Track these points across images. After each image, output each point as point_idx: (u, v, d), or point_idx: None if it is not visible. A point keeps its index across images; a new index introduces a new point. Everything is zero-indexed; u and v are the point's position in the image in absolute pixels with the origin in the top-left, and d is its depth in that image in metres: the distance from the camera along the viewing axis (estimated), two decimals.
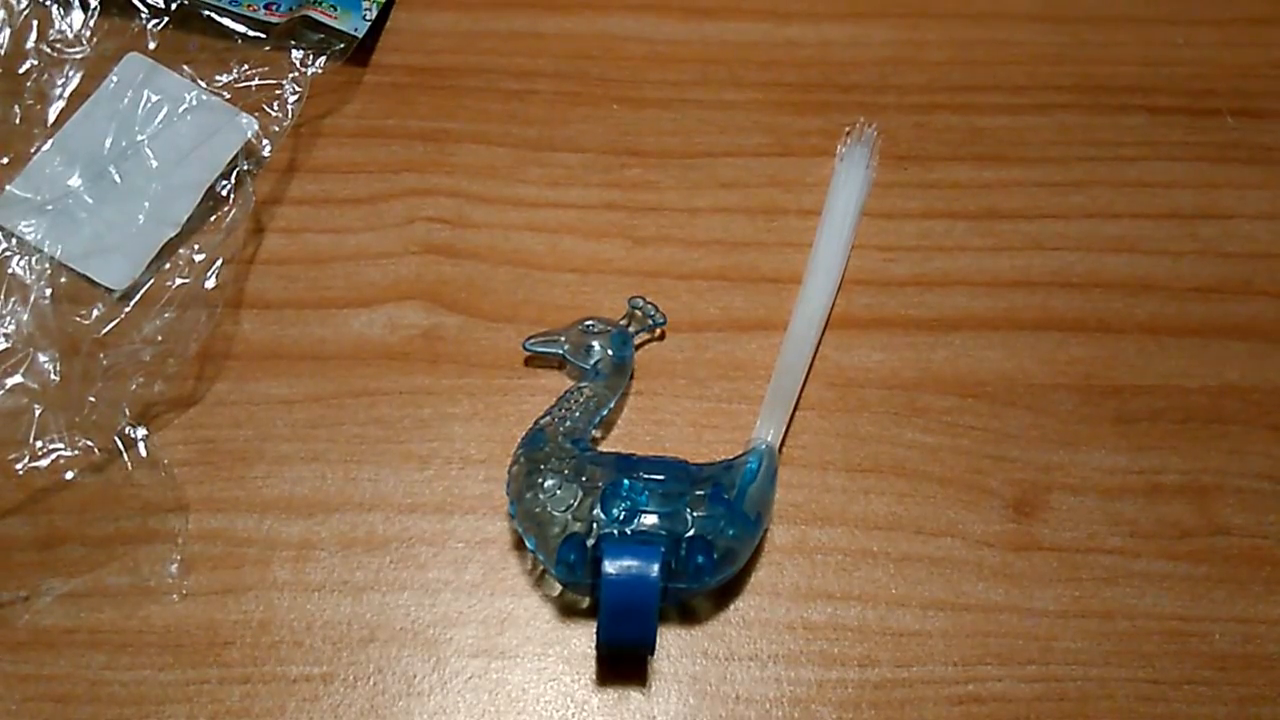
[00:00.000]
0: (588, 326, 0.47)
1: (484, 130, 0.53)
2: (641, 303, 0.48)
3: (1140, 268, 0.50)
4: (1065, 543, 0.45)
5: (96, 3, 0.53)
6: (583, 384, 0.46)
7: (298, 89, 0.52)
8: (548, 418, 0.45)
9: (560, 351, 0.47)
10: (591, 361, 0.46)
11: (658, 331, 0.49)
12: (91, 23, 0.53)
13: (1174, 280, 0.50)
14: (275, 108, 0.52)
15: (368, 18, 0.54)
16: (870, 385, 0.48)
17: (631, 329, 0.48)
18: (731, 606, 0.44)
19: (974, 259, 0.50)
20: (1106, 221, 0.51)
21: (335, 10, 0.54)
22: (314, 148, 0.53)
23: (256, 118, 0.51)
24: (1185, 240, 0.51)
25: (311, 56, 0.53)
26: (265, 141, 0.51)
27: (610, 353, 0.46)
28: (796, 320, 0.48)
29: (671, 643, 0.43)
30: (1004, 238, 0.51)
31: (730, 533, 0.42)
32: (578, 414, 0.45)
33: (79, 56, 0.52)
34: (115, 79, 0.52)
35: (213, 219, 0.50)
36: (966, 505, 0.45)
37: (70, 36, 0.53)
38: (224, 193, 0.50)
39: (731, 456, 0.44)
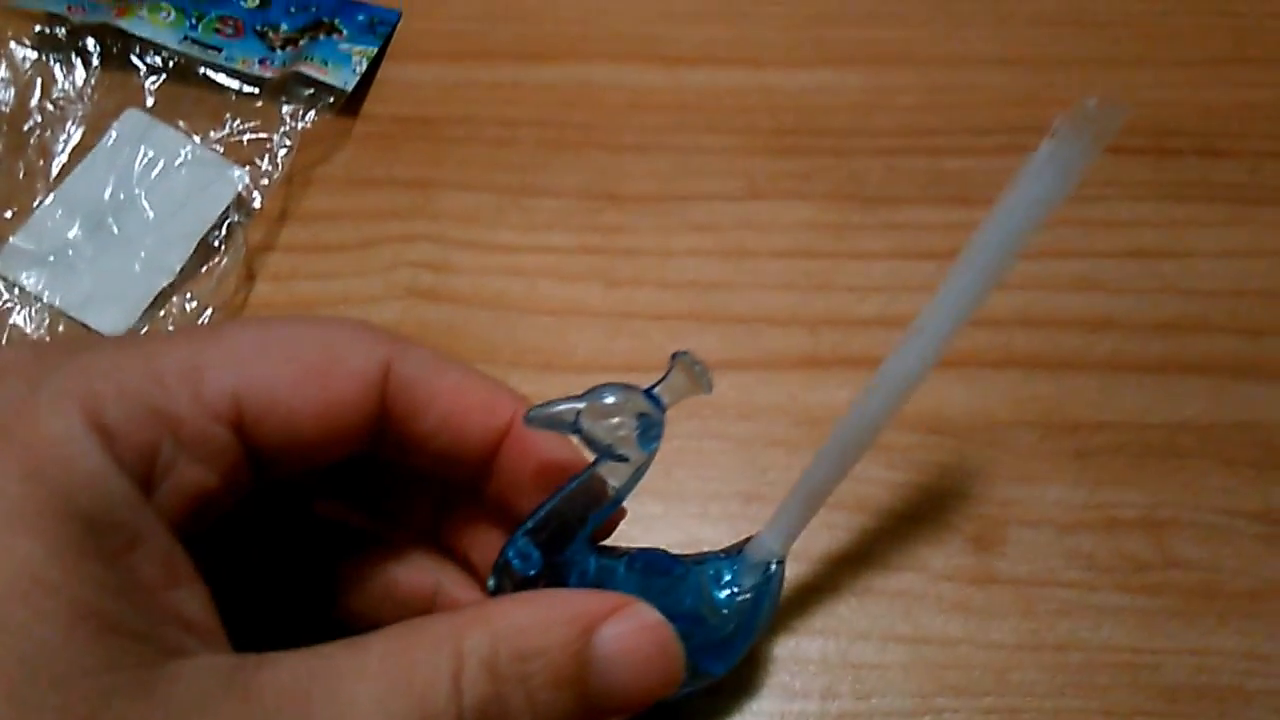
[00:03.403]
0: (607, 397, 0.35)
1: (467, 177, 0.55)
2: (690, 359, 0.35)
3: (1102, 306, 0.51)
4: (1023, 576, 0.45)
5: (97, 61, 0.55)
6: (592, 479, 0.36)
7: (288, 142, 0.54)
8: (533, 524, 0.36)
9: (573, 430, 0.35)
10: (612, 443, 0.35)
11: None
12: (93, 80, 0.55)
13: (1135, 318, 0.51)
14: (266, 160, 0.53)
15: (357, 71, 0.55)
16: None
17: (666, 398, 0.36)
18: None
19: None
20: (1069, 260, 0.52)
21: (326, 65, 0.55)
22: (304, 196, 0.54)
23: (248, 170, 0.53)
24: (1146, 278, 0.52)
25: (302, 110, 0.54)
26: (255, 193, 0.53)
27: (636, 431, 0.35)
28: (858, 416, 0.37)
29: None
30: None
31: (732, 660, 0.40)
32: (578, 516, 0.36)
33: (80, 113, 0.54)
34: (114, 134, 0.54)
35: (205, 268, 0.52)
36: (927, 540, 0.46)
37: (72, 94, 0.55)
38: (216, 243, 0.52)
39: (741, 592, 0.39)
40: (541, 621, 0.31)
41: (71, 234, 0.52)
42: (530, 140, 0.56)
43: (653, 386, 0.35)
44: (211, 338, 0.32)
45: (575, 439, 0.35)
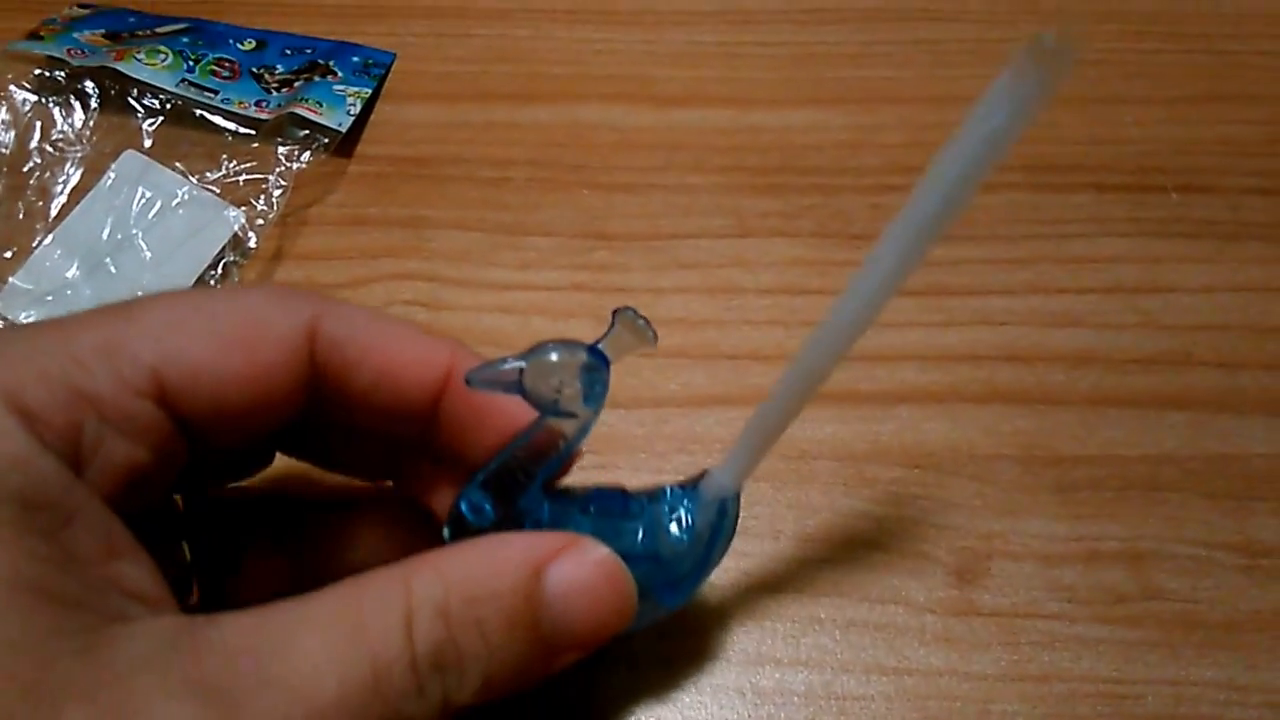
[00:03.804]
0: (550, 354, 0.34)
1: (460, 216, 0.56)
2: (632, 314, 0.35)
3: (1083, 341, 0.52)
4: (1005, 608, 0.46)
5: (96, 103, 0.56)
6: (542, 431, 0.36)
7: (283, 183, 0.54)
8: (484, 476, 0.36)
9: (516, 390, 0.34)
10: (557, 400, 0.34)
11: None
12: (91, 122, 0.56)
13: (1116, 353, 0.51)
14: (261, 201, 0.54)
15: (351, 113, 0.56)
16: (822, 457, 0.49)
17: (610, 353, 0.35)
18: (682, 672, 0.45)
19: (923, 334, 0.52)
20: (1051, 297, 0.53)
21: (321, 107, 0.56)
22: (299, 236, 0.55)
23: (244, 211, 0.54)
24: (1127, 314, 0.52)
25: (297, 151, 0.55)
26: (251, 233, 0.53)
27: (580, 388, 0.34)
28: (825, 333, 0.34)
29: (621, 706, 0.44)
30: (952, 314, 0.52)
31: (688, 593, 0.40)
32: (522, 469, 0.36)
33: (79, 154, 0.55)
34: (113, 175, 0.55)
35: None
36: (911, 572, 0.46)
37: (71, 136, 0.56)
38: (212, 283, 0.53)
39: (697, 529, 0.39)
40: (491, 565, 0.31)
41: (70, 274, 0.53)
42: (522, 180, 0.57)
43: (597, 342, 0.35)
44: (129, 314, 0.32)
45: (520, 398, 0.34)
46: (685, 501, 0.39)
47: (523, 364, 0.33)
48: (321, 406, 0.36)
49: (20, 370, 0.30)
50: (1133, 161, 0.56)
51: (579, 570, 0.33)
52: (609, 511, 0.38)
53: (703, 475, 0.39)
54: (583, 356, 0.34)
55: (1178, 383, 0.51)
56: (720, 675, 0.45)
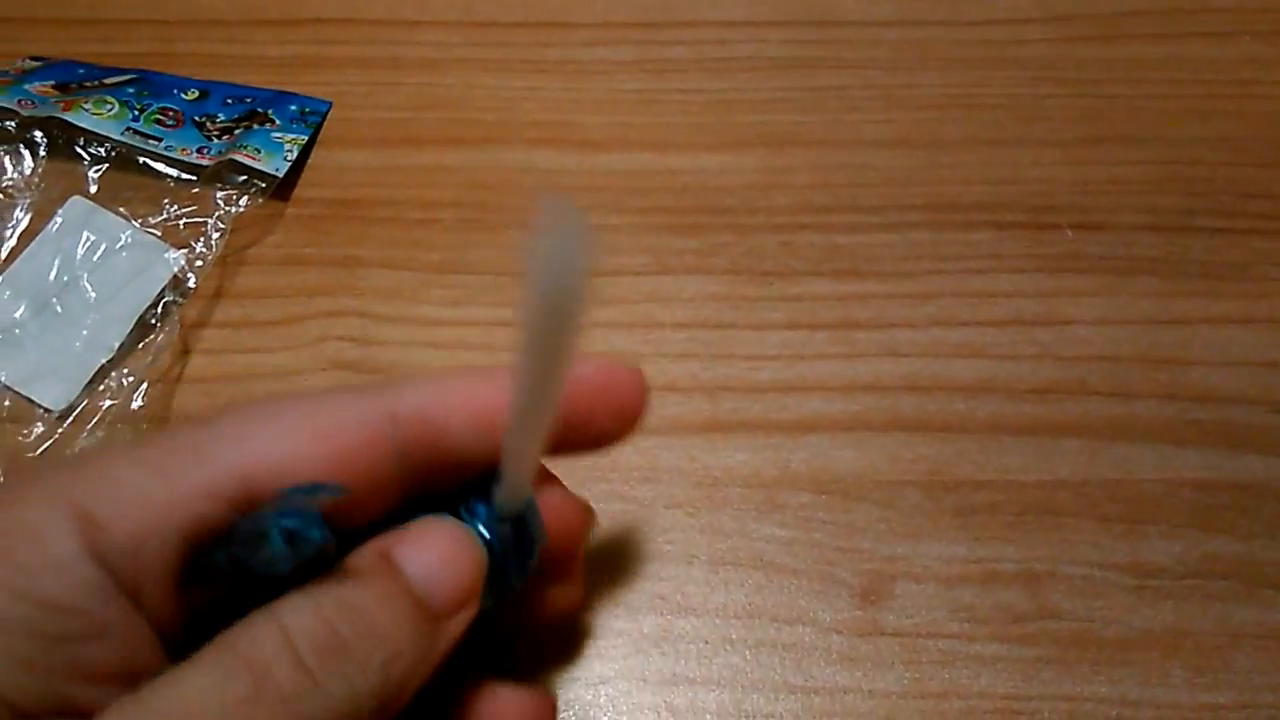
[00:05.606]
0: (248, 524, 0.29)
1: (391, 256, 0.54)
2: (298, 497, 0.29)
3: (983, 371, 0.50)
4: (907, 628, 0.45)
5: (44, 152, 0.55)
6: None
7: (222, 225, 0.53)
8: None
9: (231, 564, 0.29)
10: (274, 561, 0.28)
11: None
12: (40, 169, 0.54)
13: (1014, 382, 0.50)
14: (201, 243, 0.53)
15: (288, 159, 0.55)
16: (734, 484, 0.48)
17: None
18: (599, 691, 0.44)
19: (831, 366, 0.51)
20: (952, 329, 0.52)
21: (259, 153, 0.54)
22: (238, 275, 0.53)
23: (184, 253, 0.52)
24: (1025, 345, 0.51)
25: (236, 195, 0.54)
26: (191, 274, 0.52)
27: (291, 549, 0.28)
28: None
29: None
30: (858, 346, 0.51)
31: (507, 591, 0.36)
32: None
33: (28, 200, 0.54)
34: (60, 220, 0.53)
35: (141, 345, 0.51)
36: (818, 594, 0.45)
37: (20, 183, 0.54)
38: (153, 321, 0.51)
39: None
40: (340, 569, 0.30)
41: (18, 314, 0.51)
42: (451, 220, 0.55)
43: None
44: (210, 422, 0.31)
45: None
46: (483, 516, 0.35)
47: (230, 538, 0.29)
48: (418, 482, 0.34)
49: (93, 478, 0.29)
50: (1030, 201, 0.55)
51: (419, 536, 0.32)
52: None
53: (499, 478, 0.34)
54: (282, 522, 0.28)
55: (1073, 411, 0.49)
56: (637, 695, 0.43)
